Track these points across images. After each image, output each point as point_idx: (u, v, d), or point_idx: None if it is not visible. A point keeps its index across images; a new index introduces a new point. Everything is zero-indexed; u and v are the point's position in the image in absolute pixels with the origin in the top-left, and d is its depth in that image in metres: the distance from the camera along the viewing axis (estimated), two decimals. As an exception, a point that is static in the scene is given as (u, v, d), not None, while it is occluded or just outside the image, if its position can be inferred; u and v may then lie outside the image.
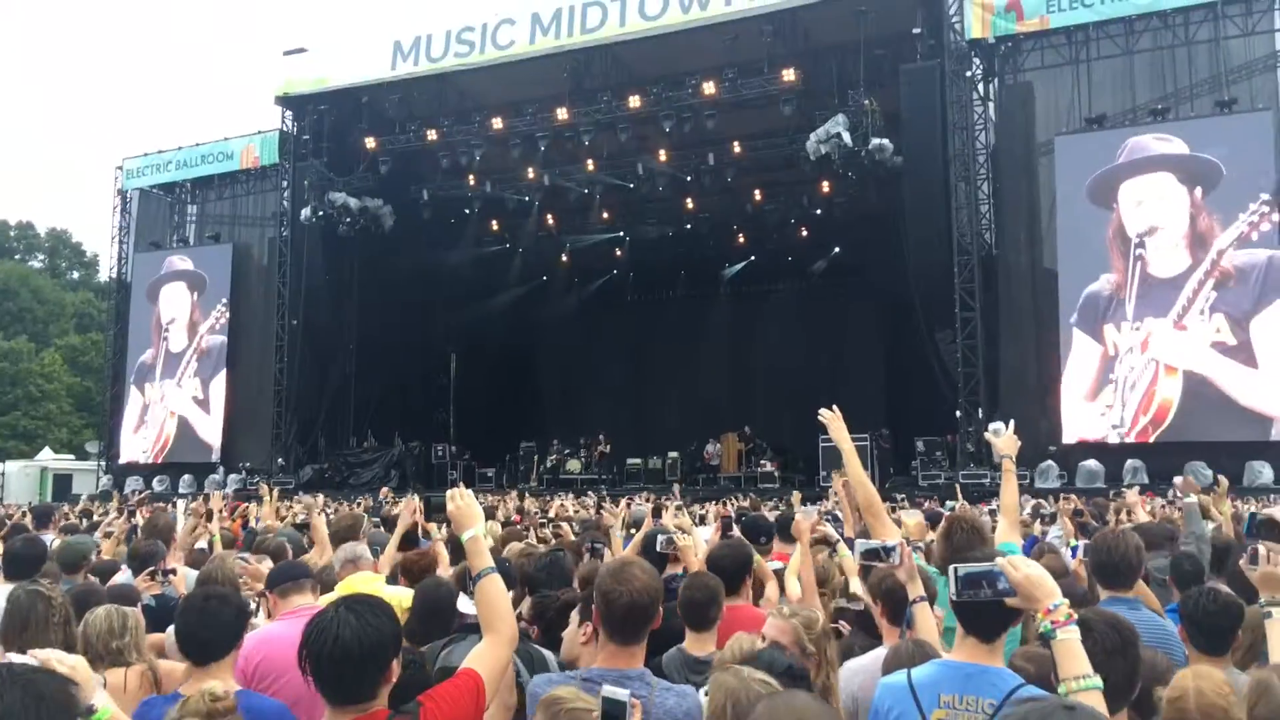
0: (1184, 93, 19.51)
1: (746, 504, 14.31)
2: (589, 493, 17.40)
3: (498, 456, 27.66)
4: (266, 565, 5.12)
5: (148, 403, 28.94)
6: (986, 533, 4.34)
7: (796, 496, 11.36)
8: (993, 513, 8.31)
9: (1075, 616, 2.43)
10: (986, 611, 2.75)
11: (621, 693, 2.60)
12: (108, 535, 8.10)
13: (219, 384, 27.92)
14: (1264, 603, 3.27)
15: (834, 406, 4.34)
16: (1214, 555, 5.44)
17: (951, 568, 2.57)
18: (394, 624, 2.55)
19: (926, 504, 14.56)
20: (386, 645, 2.49)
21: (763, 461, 24.20)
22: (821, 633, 3.47)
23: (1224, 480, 7.81)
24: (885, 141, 20.36)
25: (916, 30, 20.88)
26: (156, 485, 26.69)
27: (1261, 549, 3.31)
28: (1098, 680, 2.35)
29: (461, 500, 3.14)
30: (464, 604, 4.16)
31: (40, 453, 38.93)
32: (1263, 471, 17.23)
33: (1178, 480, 7.85)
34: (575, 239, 29.67)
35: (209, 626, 3.33)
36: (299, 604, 4.22)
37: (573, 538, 7.36)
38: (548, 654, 3.94)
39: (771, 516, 7.47)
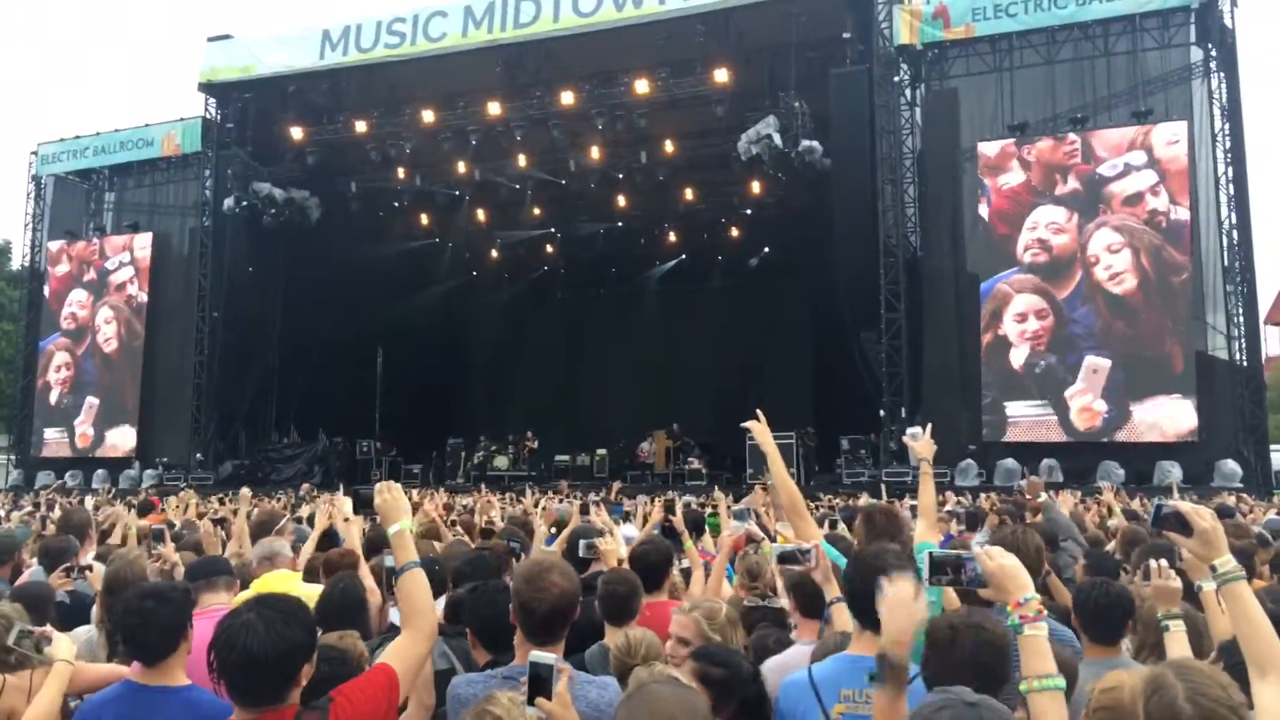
0: (1102, 102, 20.05)
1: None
2: (527, 489, 17.25)
3: (424, 453, 27.41)
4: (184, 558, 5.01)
5: (60, 395, 28.06)
6: (903, 519, 4.41)
7: (720, 497, 11.41)
8: (913, 509, 8.45)
9: (1045, 613, 2.40)
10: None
11: (549, 656, 2.61)
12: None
13: (135, 377, 27.15)
14: (1161, 616, 3.34)
15: (759, 413, 4.38)
16: (1126, 546, 5.59)
17: (926, 552, 2.58)
18: (304, 630, 2.51)
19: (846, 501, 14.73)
20: (295, 652, 2.45)
21: (690, 459, 24.33)
22: (725, 622, 3.49)
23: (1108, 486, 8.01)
24: (815, 144, 20.61)
25: (846, 35, 21.18)
26: (70, 480, 25.89)
27: (1152, 564, 3.39)
28: (1061, 681, 2.29)
29: (389, 494, 3.11)
30: (397, 616, 4.12)
31: (-54, 446, 37.52)
32: (1172, 470, 17.81)
33: (1022, 483, 8.07)
34: (506, 235, 29.52)
35: (150, 626, 3.16)
36: (210, 604, 4.12)
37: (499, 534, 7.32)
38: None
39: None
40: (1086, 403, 18.89)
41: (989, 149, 20.16)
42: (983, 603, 2.69)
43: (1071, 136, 19.56)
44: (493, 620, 3.51)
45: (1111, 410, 18.70)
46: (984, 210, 20.08)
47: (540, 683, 2.59)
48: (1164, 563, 3.40)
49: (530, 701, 2.56)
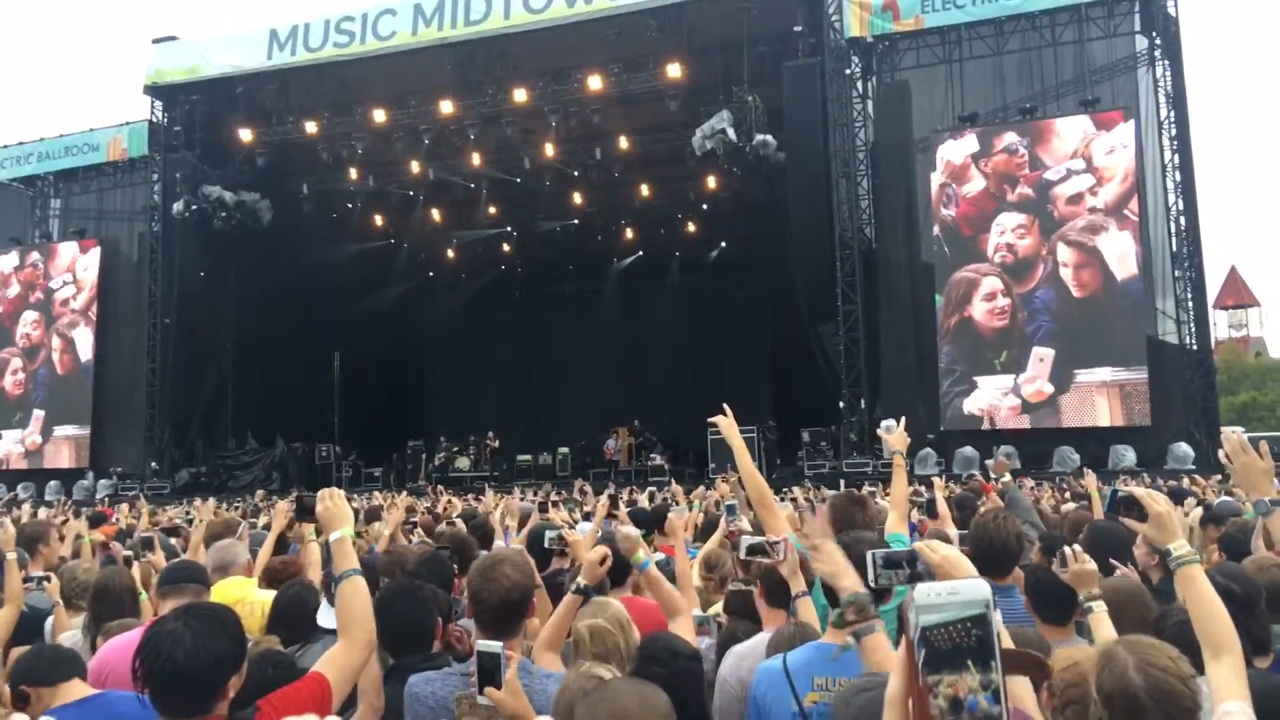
0: (1050, 92, 20.31)
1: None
2: (487, 489, 17.05)
3: (385, 456, 27.19)
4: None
5: (11, 407, 27.51)
6: (869, 504, 4.42)
7: (678, 490, 11.44)
8: (872, 494, 8.48)
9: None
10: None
11: (495, 644, 2.58)
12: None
13: (86, 386, 26.70)
14: (1082, 599, 3.38)
15: (726, 408, 4.38)
16: (1074, 532, 5.66)
17: (870, 554, 2.55)
18: (233, 640, 2.44)
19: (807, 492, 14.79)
20: (222, 663, 2.38)
21: (653, 455, 24.35)
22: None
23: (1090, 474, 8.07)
24: (768, 138, 20.68)
25: (798, 28, 21.27)
26: (21, 492, 25.37)
27: (1068, 550, 3.43)
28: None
29: (331, 501, 3.07)
30: (324, 617, 4.04)
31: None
32: (1126, 455, 18.09)
33: (989, 462, 8.09)
34: (462, 234, 29.34)
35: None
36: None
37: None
38: None
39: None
40: (1037, 388, 19.30)
41: (952, 154, 20.36)
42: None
43: (1021, 151, 19.85)
44: (399, 623, 3.42)
45: (1058, 388, 19.20)
46: (951, 212, 20.29)
47: (488, 673, 2.56)
48: (1077, 548, 3.43)
49: (480, 691, 2.53)
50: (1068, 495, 11.41)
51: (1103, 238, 19.21)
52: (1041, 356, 19.29)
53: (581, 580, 3.59)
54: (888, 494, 5.67)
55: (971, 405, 19.67)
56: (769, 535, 3.81)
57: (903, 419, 5.20)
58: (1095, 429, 18.91)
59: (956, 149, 20.33)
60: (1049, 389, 19.18)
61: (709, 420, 4.56)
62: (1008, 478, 6.44)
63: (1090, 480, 8.73)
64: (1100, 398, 18.98)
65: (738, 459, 4.33)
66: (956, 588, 1.32)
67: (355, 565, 2.91)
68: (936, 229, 20.35)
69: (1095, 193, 19.38)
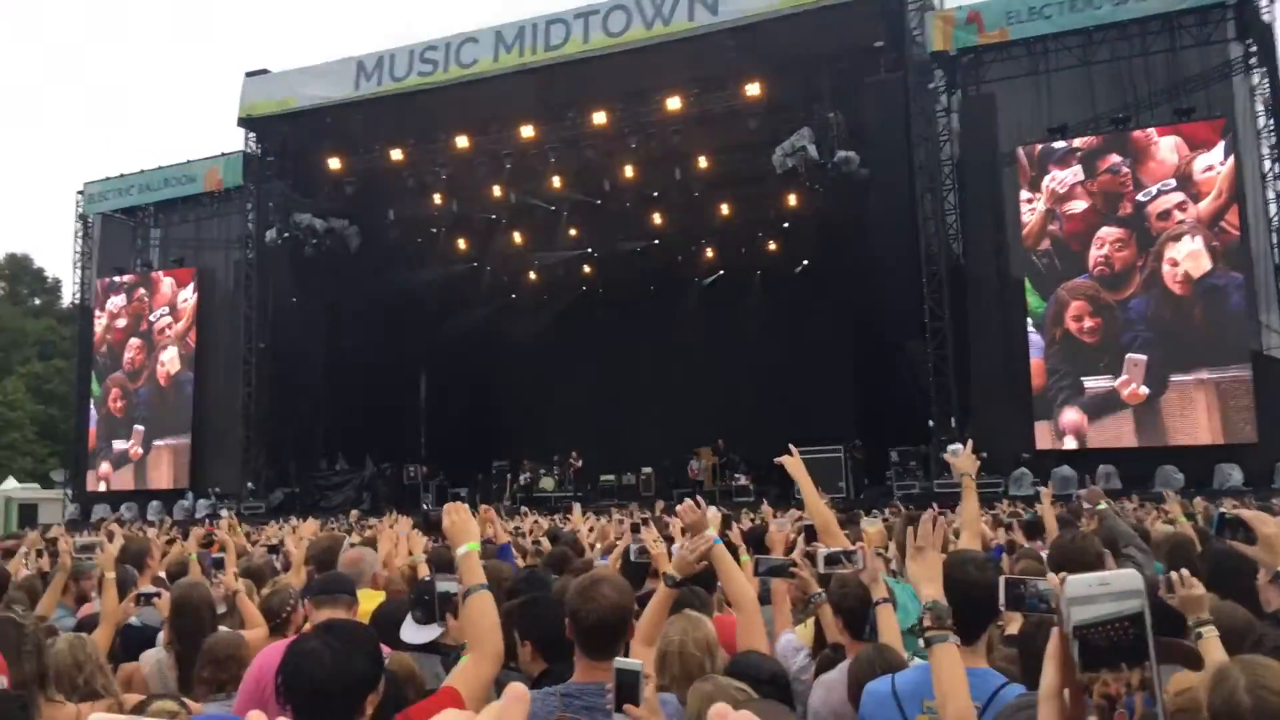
0: (1143, 102, 19.80)
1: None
2: (574, 507, 17.02)
3: (470, 476, 27.47)
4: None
5: (115, 431, 28.55)
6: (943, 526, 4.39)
7: (767, 511, 11.32)
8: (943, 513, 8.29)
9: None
10: (966, 613, 2.75)
11: (634, 663, 2.58)
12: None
13: (186, 409, 27.60)
14: (1193, 624, 3.28)
15: (792, 449, 4.57)
16: (1171, 554, 5.47)
17: (1002, 579, 2.61)
18: (370, 659, 2.50)
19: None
20: (360, 682, 2.44)
21: (737, 475, 24.17)
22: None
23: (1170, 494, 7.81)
24: (851, 154, 20.51)
25: (879, 44, 21.10)
26: (125, 512, 26.27)
27: (1174, 575, 3.34)
28: None
29: (457, 515, 3.12)
30: (408, 632, 4.08)
31: (4, 483, 38.22)
32: (1232, 474, 17.43)
33: (1082, 491, 7.84)
34: (543, 256, 29.58)
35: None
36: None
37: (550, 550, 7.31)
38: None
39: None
40: (1132, 389, 18.99)
41: (1056, 182, 20.06)
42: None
43: (1125, 171, 19.50)
44: (550, 629, 3.48)
45: (1155, 391, 18.85)
46: (1055, 227, 19.97)
47: (627, 689, 2.56)
48: (1185, 572, 3.34)
49: (618, 708, 2.54)
50: (1171, 517, 11.03)
51: (1200, 250, 18.70)
52: (1135, 362, 18.92)
53: (672, 571, 3.58)
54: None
55: (1068, 422, 19.23)
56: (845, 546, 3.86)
57: (969, 442, 5.19)
58: (1198, 447, 18.26)
59: (1062, 178, 19.98)
60: (1145, 390, 18.81)
61: (775, 460, 4.72)
62: (1103, 506, 6.23)
63: (1174, 503, 8.39)
64: (1199, 394, 18.50)
65: (804, 492, 4.52)
66: (1107, 579, 1.30)
67: (483, 579, 2.95)
68: (1046, 243, 19.97)
69: (1190, 207, 18.93)
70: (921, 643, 2.62)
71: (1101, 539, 5.17)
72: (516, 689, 1.24)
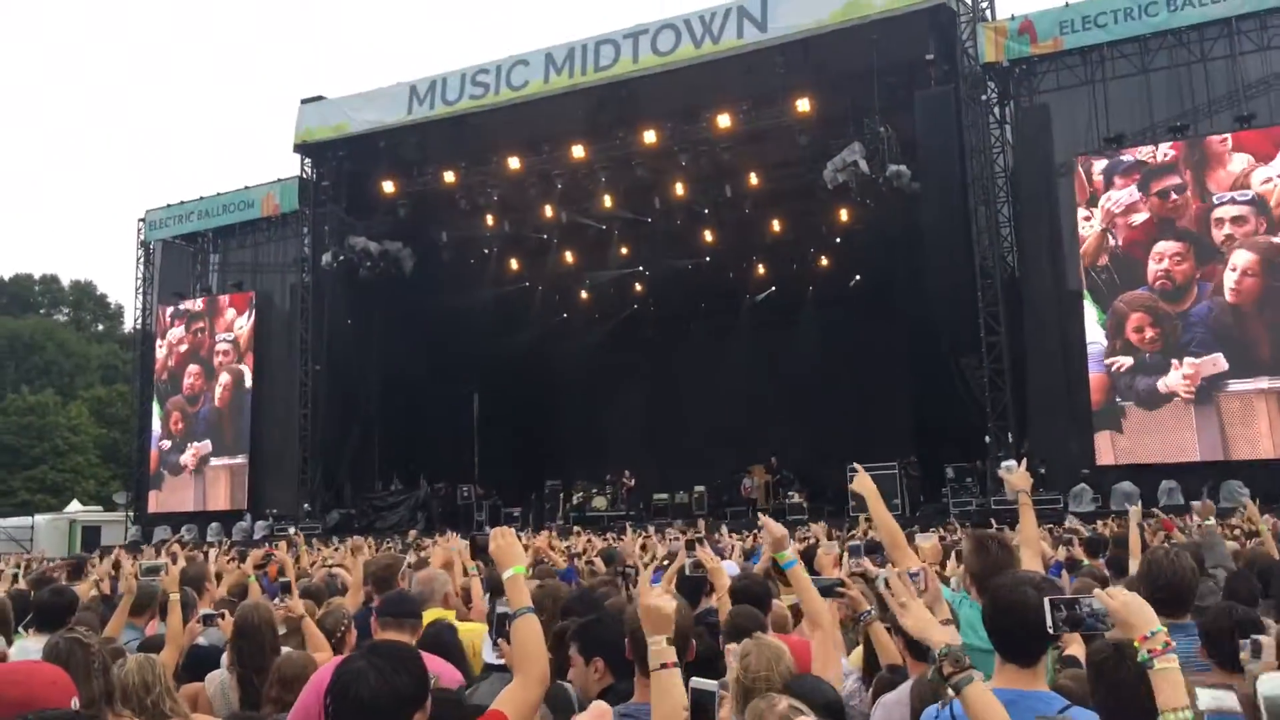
0: (1202, 109, 19.42)
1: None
2: (627, 528, 16.96)
3: (523, 496, 27.54)
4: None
5: (175, 453, 29.08)
6: (1014, 549, 4.27)
7: (819, 530, 11.14)
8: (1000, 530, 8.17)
9: (1173, 645, 2.38)
10: (1023, 636, 2.70)
11: (710, 683, 2.56)
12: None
13: (244, 431, 28.05)
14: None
15: (857, 466, 4.60)
16: (1259, 577, 5.31)
17: (1046, 600, 2.56)
18: (414, 678, 2.50)
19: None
20: (405, 701, 2.44)
21: (790, 493, 23.96)
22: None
23: (1248, 502, 7.62)
24: (902, 168, 20.34)
25: (929, 56, 20.93)
26: (185, 534, 26.70)
27: (1263, 639, 3.26)
28: (1189, 715, 2.31)
29: (504, 539, 3.13)
30: (487, 653, 4.09)
31: (69, 505, 39.12)
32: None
33: (1195, 504, 7.64)
34: (594, 275, 29.70)
35: None
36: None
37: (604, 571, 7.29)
38: (570, 688, 3.86)
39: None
40: (1193, 391, 18.74)
41: (1113, 204, 19.74)
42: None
43: (1185, 183, 19.20)
44: (618, 647, 3.49)
45: (1214, 394, 18.53)
46: (1115, 240, 19.67)
47: (703, 710, 2.54)
48: None
49: None
50: (1237, 532, 10.73)
51: (1263, 259, 18.27)
52: (1195, 365, 18.60)
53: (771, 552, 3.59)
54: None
55: (1129, 437, 18.84)
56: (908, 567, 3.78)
57: (1024, 459, 5.07)
58: (1264, 460, 17.77)
59: (1118, 198, 19.64)
60: (1205, 392, 18.52)
61: (850, 468, 4.77)
62: (1211, 521, 6.09)
63: (1254, 513, 8.20)
64: (1260, 403, 18.16)
65: (871, 507, 4.46)
66: None
67: (529, 603, 2.94)
68: (1104, 258, 19.65)
69: (1253, 218, 18.55)
70: (950, 691, 2.58)
71: (1191, 553, 5.03)
72: (600, 707, 1.21)
